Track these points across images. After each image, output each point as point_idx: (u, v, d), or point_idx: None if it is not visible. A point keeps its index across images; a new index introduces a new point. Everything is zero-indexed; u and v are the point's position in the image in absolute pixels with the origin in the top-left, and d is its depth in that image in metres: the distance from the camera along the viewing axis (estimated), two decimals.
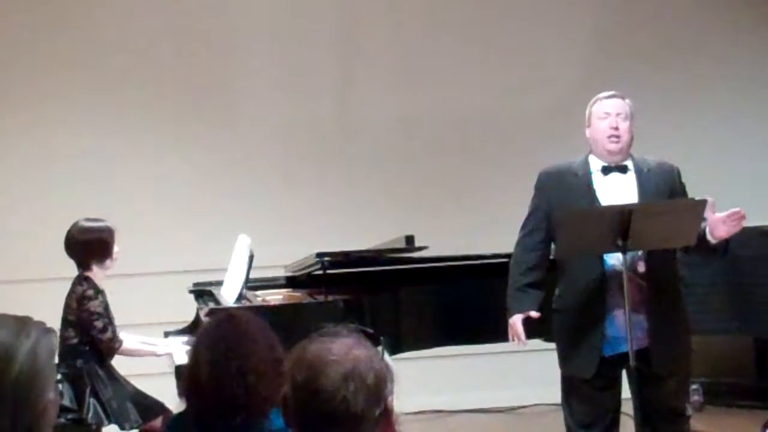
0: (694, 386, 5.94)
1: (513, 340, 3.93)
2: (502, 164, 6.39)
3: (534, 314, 3.83)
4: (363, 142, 6.44)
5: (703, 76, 6.59)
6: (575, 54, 6.50)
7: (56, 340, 1.84)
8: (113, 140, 6.26)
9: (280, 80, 6.40)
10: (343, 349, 1.79)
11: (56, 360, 1.86)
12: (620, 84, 6.25)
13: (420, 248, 4.50)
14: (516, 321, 3.87)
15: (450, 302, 4.60)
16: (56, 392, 1.80)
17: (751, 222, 5.86)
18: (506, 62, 6.47)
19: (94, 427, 4.21)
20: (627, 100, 3.92)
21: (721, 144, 6.54)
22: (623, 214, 3.57)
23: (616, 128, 3.82)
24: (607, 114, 3.85)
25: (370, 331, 1.91)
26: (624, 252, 3.59)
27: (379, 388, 1.78)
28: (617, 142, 3.83)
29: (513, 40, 6.50)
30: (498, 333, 4.57)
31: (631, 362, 3.62)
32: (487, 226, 6.02)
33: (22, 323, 1.77)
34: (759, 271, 5.62)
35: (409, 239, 4.36)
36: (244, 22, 6.41)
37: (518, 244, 3.98)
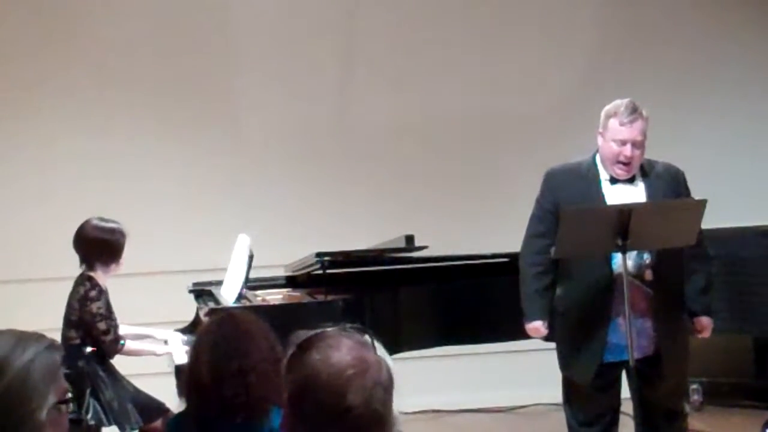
0: (694, 386, 5.94)
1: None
2: (503, 164, 6.39)
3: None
4: (363, 142, 6.44)
5: (703, 76, 6.58)
6: (576, 54, 6.50)
7: (59, 358, 1.77)
8: (113, 140, 6.25)
9: (280, 81, 6.39)
10: (355, 357, 1.76)
11: (62, 381, 1.77)
12: (620, 84, 6.28)
13: (420, 248, 4.49)
14: (539, 327, 3.91)
15: (450, 302, 4.60)
16: (56, 413, 1.72)
17: (751, 222, 5.93)
18: (506, 62, 6.47)
19: (94, 427, 4.20)
20: (644, 114, 3.81)
21: (721, 144, 6.54)
22: (623, 214, 3.57)
23: (630, 158, 3.76)
24: (623, 141, 3.76)
25: (357, 326, 1.88)
26: (624, 252, 3.59)
27: (391, 385, 1.78)
28: (627, 171, 3.80)
29: (513, 40, 6.49)
30: (498, 333, 4.60)
31: (631, 363, 3.62)
32: (486, 225, 6.02)
33: (22, 338, 1.71)
34: (759, 271, 5.62)
35: (409, 239, 4.36)
36: (244, 22, 6.41)
37: (527, 245, 3.95)
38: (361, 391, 1.73)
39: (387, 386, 1.76)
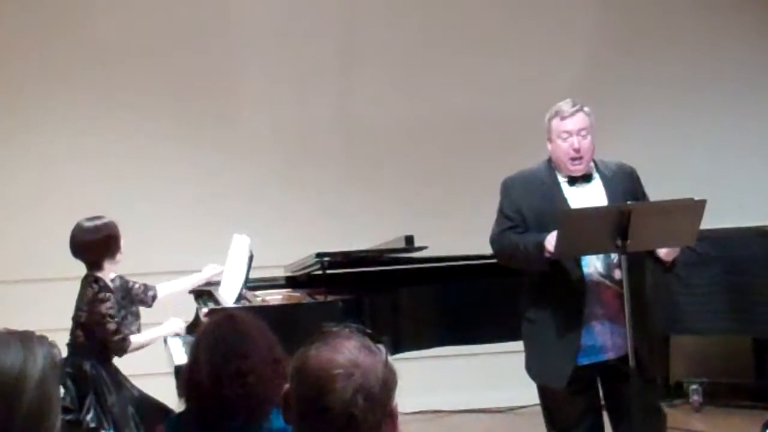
0: (694, 386, 5.95)
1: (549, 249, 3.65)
2: (502, 164, 6.30)
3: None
4: (363, 142, 6.44)
5: (703, 75, 6.58)
6: (575, 54, 6.50)
7: (59, 355, 1.73)
8: (113, 140, 6.26)
9: (280, 81, 6.40)
10: (348, 359, 1.74)
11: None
12: (620, 84, 6.29)
13: (420, 248, 4.49)
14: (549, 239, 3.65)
15: (450, 302, 4.60)
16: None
17: (751, 222, 5.93)
18: (506, 63, 6.47)
19: (93, 430, 4.18)
20: (586, 109, 3.86)
21: (721, 143, 6.54)
22: (623, 214, 3.56)
23: (579, 149, 3.78)
24: (568, 133, 3.79)
25: (369, 331, 1.87)
26: (624, 252, 3.58)
27: (385, 396, 1.76)
28: (579, 164, 3.81)
29: (513, 40, 6.49)
30: (497, 333, 4.59)
31: (631, 363, 3.62)
32: (486, 226, 5.96)
33: (25, 342, 1.66)
34: (759, 271, 5.62)
35: (409, 239, 4.36)
36: (244, 22, 6.41)
37: (498, 238, 3.95)
38: (340, 394, 1.71)
39: (374, 395, 1.73)
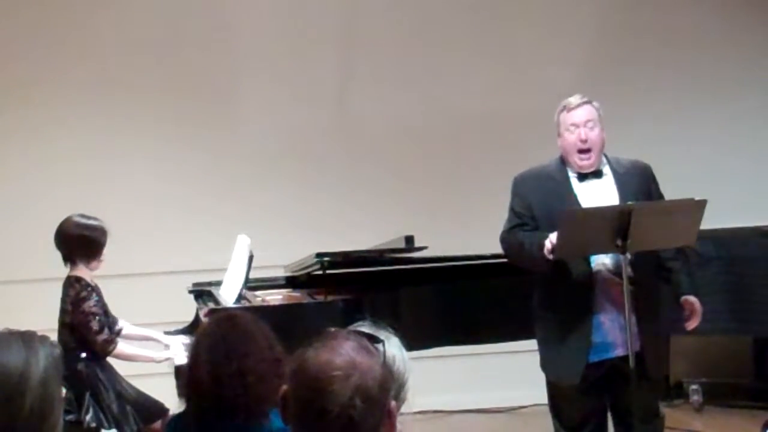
0: (694, 386, 5.95)
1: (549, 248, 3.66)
2: (502, 164, 6.32)
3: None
4: (363, 142, 6.43)
5: (703, 75, 6.58)
6: (575, 54, 6.49)
7: (60, 356, 1.74)
8: (113, 140, 6.25)
9: (280, 81, 6.39)
10: (346, 360, 1.75)
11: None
12: (620, 84, 6.29)
13: (420, 248, 4.49)
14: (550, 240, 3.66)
15: (450, 302, 4.60)
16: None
17: (751, 222, 5.93)
18: (506, 62, 6.47)
19: (93, 429, 4.18)
20: (595, 103, 3.89)
21: (721, 144, 6.54)
22: (623, 214, 3.56)
23: (586, 140, 3.80)
24: (575, 125, 3.82)
25: (373, 334, 1.86)
26: (624, 252, 3.58)
27: (383, 396, 1.76)
28: (588, 158, 3.83)
29: (513, 40, 6.49)
30: (498, 333, 4.59)
31: (631, 363, 3.62)
32: (486, 226, 5.98)
33: (27, 342, 1.66)
34: (759, 271, 5.63)
35: (409, 239, 4.36)
36: (244, 22, 6.40)
37: (506, 236, 3.96)
38: (338, 396, 1.71)
39: (372, 396, 1.73)
